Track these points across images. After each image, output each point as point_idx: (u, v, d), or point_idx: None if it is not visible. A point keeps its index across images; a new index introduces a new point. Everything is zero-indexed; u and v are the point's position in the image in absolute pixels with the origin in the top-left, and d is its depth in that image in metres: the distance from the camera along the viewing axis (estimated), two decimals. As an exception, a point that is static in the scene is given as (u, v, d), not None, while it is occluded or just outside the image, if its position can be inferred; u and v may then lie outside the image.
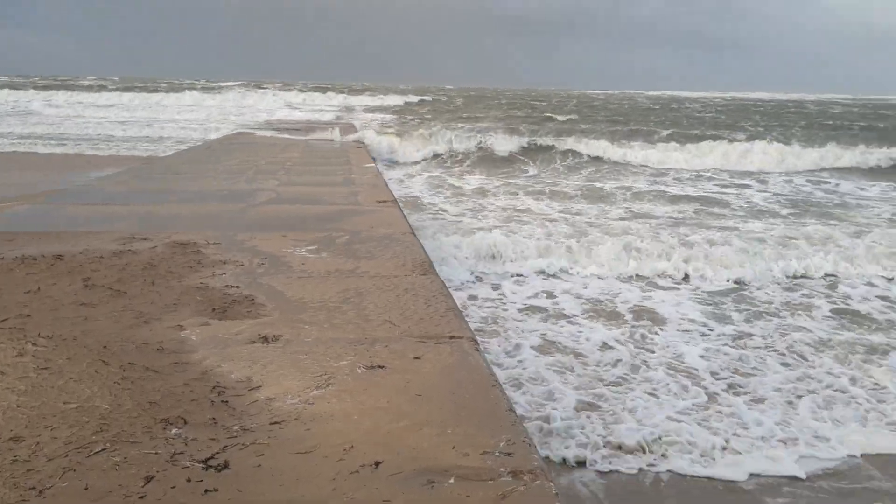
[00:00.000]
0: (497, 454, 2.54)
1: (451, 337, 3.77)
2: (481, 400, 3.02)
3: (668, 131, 29.26)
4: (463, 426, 2.75)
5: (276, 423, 2.75)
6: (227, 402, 2.92)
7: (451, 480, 2.38)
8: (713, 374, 6.00)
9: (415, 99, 57.06)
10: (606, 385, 5.72)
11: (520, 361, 6.16)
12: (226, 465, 2.42)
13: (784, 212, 13.65)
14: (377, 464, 2.46)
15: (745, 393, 5.64)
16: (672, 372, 6.00)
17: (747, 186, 17.24)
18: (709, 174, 19.17)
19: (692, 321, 7.42)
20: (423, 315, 4.12)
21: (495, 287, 8.51)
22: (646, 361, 6.23)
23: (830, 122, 37.99)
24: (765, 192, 16.40)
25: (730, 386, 5.76)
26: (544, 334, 6.86)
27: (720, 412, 5.28)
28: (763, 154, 21.59)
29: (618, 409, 5.27)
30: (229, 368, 3.28)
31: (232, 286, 4.63)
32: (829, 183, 18.29)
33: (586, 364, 6.14)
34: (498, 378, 3.30)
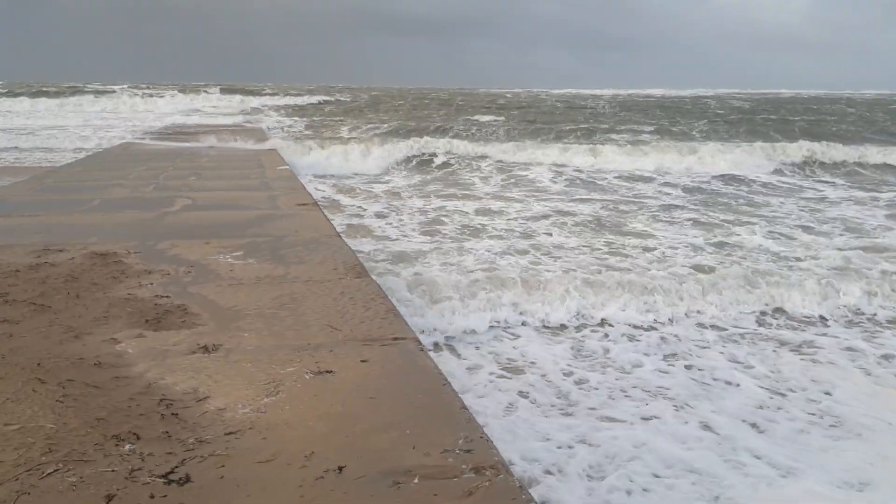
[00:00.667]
0: (457, 451, 2.58)
1: (395, 339, 3.79)
2: (434, 400, 3.05)
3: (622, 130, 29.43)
4: (420, 426, 2.78)
5: (231, 433, 2.71)
6: (177, 414, 2.86)
7: (416, 480, 2.41)
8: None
9: (315, 100, 55.73)
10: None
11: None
12: (188, 479, 2.38)
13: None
14: (340, 468, 2.47)
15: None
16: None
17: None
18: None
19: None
20: (363, 318, 4.12)
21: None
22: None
23: (763, 118, 38.98)
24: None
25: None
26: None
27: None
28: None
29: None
30: (173, 380, 3.21)
31: (162, 296, 4.52)
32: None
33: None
34: (446, 378, 3.35)
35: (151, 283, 4.81)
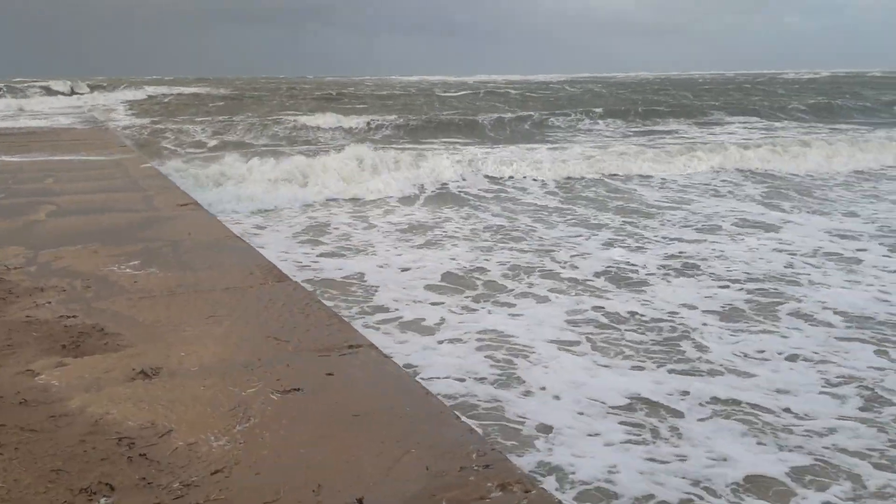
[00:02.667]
0: (476, 468, 2.40)
1: (351, 347, 3.54)
2: (424, 411, 2.85)
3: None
4: (424, 443, 2.57)
5: (218, 471, 2.40)
6: (145, 455, 2.50)
7: (444, 504, 2.22)
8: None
9: (154, 92, 51.81)
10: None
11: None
12: (191, 533, 2.07)
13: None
14: (360, 501, 2.23)
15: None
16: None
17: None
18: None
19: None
20: (306, 326, 3.84)
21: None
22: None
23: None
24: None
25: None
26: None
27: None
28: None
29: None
30: (122, 414, 2.83)
31: (67, 316, 4.02)
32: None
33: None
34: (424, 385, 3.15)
35: (49, 302, 4.28)
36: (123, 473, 2.37)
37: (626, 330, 6.81)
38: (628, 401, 5.33)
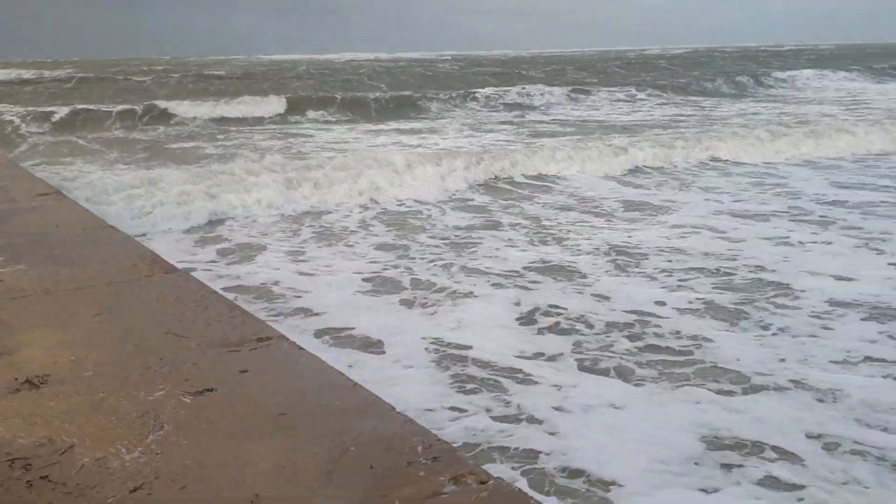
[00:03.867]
0: (424, 462, 2.25)
1: (260, 339, 3.29)
2: (355, 404, 2.67)
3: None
4: (362, 439, 2.39)
5: (136, 489, 2.14)
6: (46, 476, 2.20)
7: (396, 505, 2.06)
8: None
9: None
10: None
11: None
12: (119, 563, 1.82)
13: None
14: (306, 508, 2.04)
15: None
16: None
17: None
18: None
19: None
20: (206, 319, 3.55)
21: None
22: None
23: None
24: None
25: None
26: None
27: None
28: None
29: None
30: (11, 432, 2.49)
31: (-74, 323, 3.56)
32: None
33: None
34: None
35: None
36: (24, 501, 2.07)
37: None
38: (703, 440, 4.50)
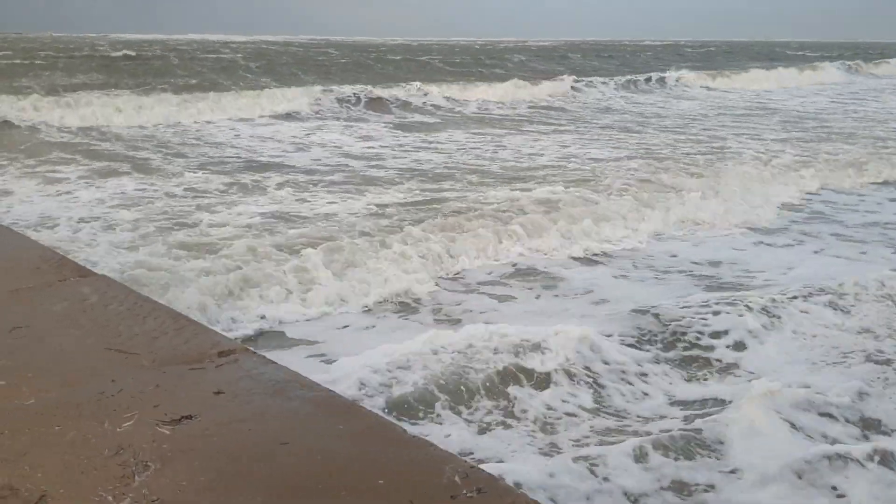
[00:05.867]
0: (468, 494, 2.03)
1: (222, 353, 2.95)
2: (362, 428, 2.41)
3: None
4: (388, 471, 2.15)
5: (146, 547, 1.80)
6: (27, 538, 1.82)
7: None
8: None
9: None
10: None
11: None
12: None
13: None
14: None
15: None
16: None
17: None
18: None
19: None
20: (149, 331, 3.15)
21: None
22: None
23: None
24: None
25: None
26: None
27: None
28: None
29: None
30: (-42, 481, 2.07)
31: None
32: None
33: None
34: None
35: None
36: (11, 573, 1.70)
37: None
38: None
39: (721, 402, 4.43)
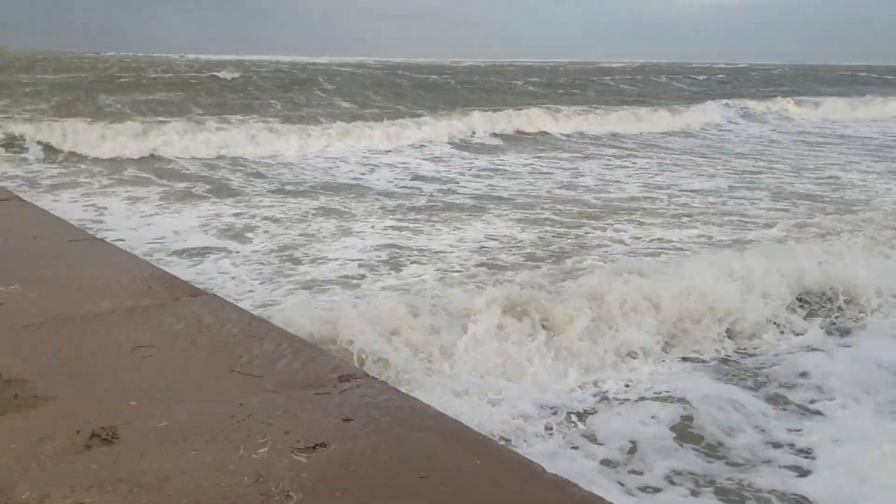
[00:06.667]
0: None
1: (342, 378, 2.91)
2: (496, 461, 2.33)
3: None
4: (536, 508, 2.06)
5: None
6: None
7: None
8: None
9: None
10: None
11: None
12: None
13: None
14: None
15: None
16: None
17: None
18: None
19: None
20: (268, 353, 3.14)
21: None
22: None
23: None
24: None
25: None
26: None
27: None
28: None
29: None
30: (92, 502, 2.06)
31: (-67, 359, 3.02)
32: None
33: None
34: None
35: None
36: None
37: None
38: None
39: None
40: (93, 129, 15.37)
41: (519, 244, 8.28)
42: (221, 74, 34.42)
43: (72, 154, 14.23)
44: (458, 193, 11.60)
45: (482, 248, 8.11)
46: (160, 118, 19.16)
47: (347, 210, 10.05)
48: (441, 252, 7.88)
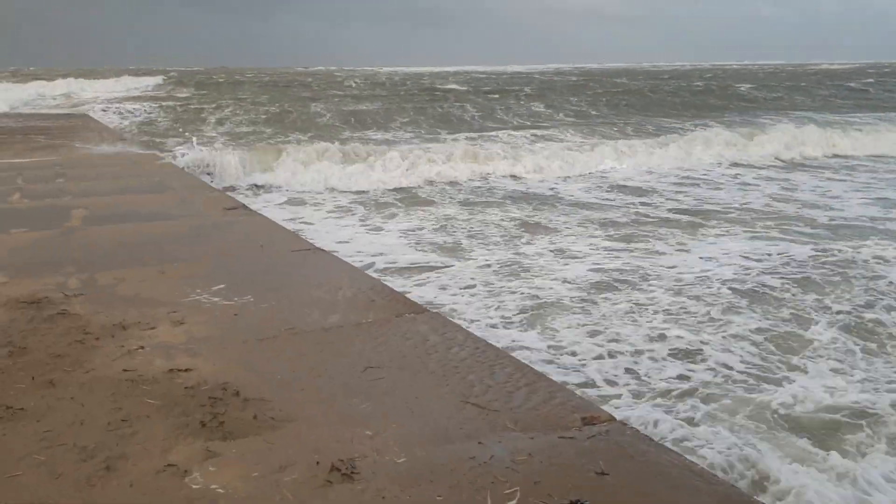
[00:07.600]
0: None
1: (586, 420, 2.63)
2: None
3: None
4: None
5: None
6: None
7: None
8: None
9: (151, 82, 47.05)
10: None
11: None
12: None
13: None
14: None
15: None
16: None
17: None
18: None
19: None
20: (503, 386, 2.92)
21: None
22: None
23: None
24: None
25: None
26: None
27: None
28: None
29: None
30: (351, 553, 1.90)
31: (178, 370, 3.07)
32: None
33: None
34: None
35: (143, 348, 3.32)
36: None
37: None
38: None
39: None
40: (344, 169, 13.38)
41: None
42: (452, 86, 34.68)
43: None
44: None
45: None
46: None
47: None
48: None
